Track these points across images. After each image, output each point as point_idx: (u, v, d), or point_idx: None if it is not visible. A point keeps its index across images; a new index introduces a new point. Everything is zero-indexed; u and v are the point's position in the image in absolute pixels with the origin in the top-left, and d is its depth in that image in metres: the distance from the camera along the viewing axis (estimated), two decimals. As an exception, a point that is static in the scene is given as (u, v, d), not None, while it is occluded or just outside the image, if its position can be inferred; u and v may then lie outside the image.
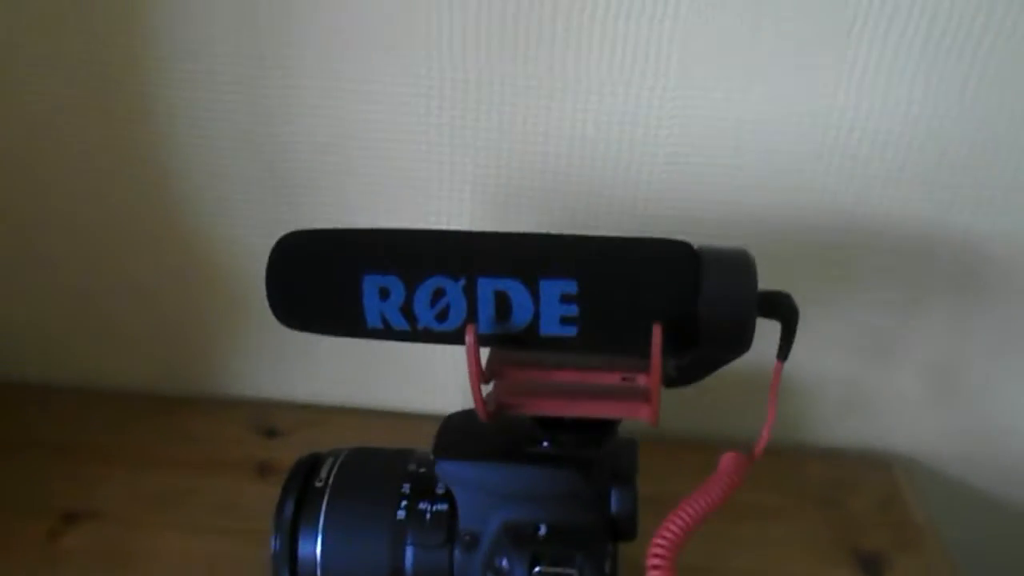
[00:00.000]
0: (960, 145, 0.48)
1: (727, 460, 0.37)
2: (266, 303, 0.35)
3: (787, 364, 0.55)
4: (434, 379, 0.60)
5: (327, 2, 0.47)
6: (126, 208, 0.55)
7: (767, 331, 0.34)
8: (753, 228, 0.51)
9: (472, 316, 0.32)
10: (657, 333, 0.31)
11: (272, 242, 0.34)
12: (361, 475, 0.40)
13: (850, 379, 0.57)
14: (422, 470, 0.40)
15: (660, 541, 0.33)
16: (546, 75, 0.48)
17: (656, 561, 0.32)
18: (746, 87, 0.47)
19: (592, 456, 0.37)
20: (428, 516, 0.38)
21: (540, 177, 0.51)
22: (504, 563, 0.36)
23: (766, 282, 0.33)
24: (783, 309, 0.34)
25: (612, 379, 0.35)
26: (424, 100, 0.49)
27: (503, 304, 0.32)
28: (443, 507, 0.38)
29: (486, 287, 0.32)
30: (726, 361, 0.34)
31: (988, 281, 0.53)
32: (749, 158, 0.49)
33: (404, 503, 0.38)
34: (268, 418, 0.60)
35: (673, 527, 0.33)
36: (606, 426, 0.37)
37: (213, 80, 0.50)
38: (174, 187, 0.54)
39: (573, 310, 0.32)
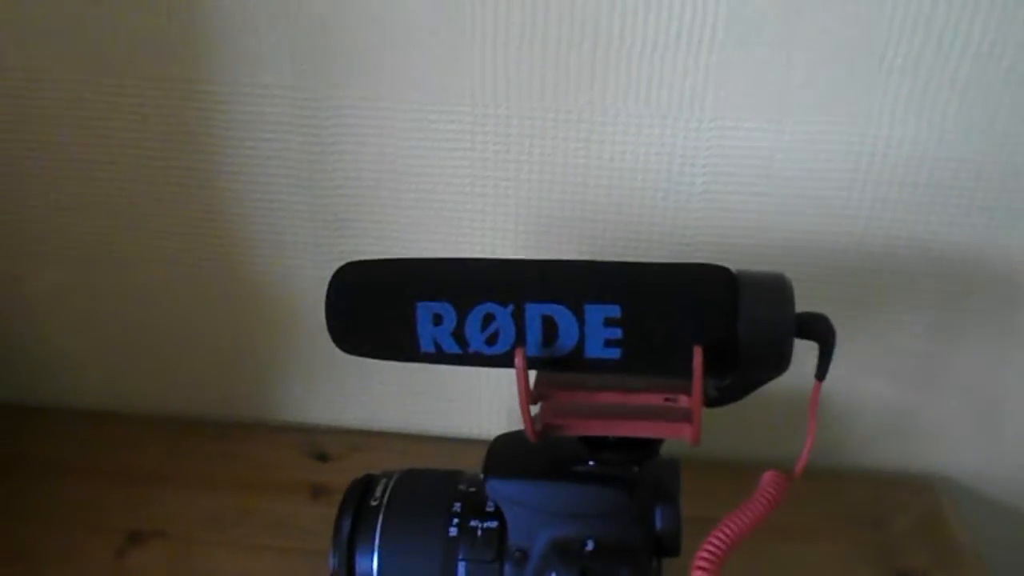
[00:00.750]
0: (993, 170, 0.49)
1: (768, 478, 0.38)
2: (316, 332, 0.37)
3: (828, 387, 0.56)
4: (479, 405, 0.62)
5: (373, 43, 0.49)
6: (182, 243, 0.58)
7: (806, 353, 0.36)
8: (790, 255, 0.52)
9: (520, 340, 0.34)
10: (698, 355, 0.33)
11: (323, 273, 0.36)
12: (414, 494, 0.42)
13: (890, 402, 0.57)
14: (472, 489, 0.41)
15: (704, 555, 0.34)
16: (586, 109, 0.50)
17: (700, 575, 0.33)
18: (779, 118, 0.49)
19: (636, 475, 0.39)
20: (479, 533, 0.39)
21: (581, 207, 0.53)
22: (553, 577, 0.37)
23: (803, 306, 0.34)
24: (820, 330, 0.35)
25: (655, 400, 0.37)
26: (468, 135, 0.51)
27: (550, 328, 0.34)
28: (493, 524, 0.39)
29: (533, 312, 0.34)
30: (765, 381, 0.36)
31: (1026, 303, 0.53)
32: (783, 187, 0.51)
33: (456, 521, 0.40)
34: (319, 443, 0.62)
35: (716, 542, 0.34)
36: (649, 445, 0.39)
37: (264, 119, 0.52)
38: (229, 222, 0.56)
39: (617, 333, 0.34)
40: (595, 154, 0.51)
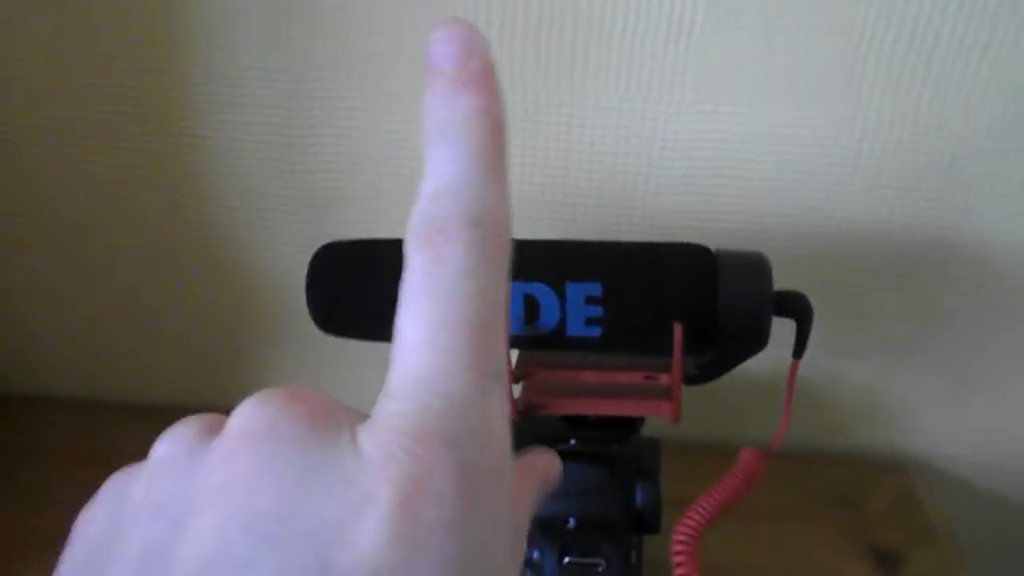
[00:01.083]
0: (969, 154, 0.50)
1: (745, 455, 0.39)
2: (299, 317, 0.37)
3: (805, 370, 0.56)
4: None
5: (355, 27, 0.49)
6: (163, 229, 0.57)
7: (786, 335, 0.36)
8: (769, 237, 0.53)
9: (503, 318, 0.34)
10: (678, 332, 0.33)
11: (304, 258, 0.36)
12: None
13: (867, 384, 0.58)
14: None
15: (683, 528, 0.35)
16: (566, 93, 0.50)
17: (680, 548, 0.34)
18: (759, 102, 0.49)
19: (617, 452, 0.39)
20: (461, 512, 0.40)
21: (562, 192, 0.53)
22: (536, 555, 0.38)
23: (781, 288, 0.35)
24: (798, 308, 0.36)
25: (635, 378, 0.37)
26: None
27: (532, 306, 0.34)
28: (476, 503, 0.40)
29: (515, 290, 0.34)
30: (744, 358, 0.36)
31: (1004, 287, 0.54)
32: (763, 170, 0.51)
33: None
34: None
35: (695, 516, 0.35)
36: (630, 424, 0.39)
37: (247, 104, 0.52)
38: (212, 207, 0.56)
39: (598, 311, 0.34)
40: (576, 138, 0.51)
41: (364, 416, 0.17)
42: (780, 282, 0.36)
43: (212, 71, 0.51)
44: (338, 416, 0.17)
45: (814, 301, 0.36)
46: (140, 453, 0.61)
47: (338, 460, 0.16)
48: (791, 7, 0.47)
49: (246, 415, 0.17)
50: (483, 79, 0.19)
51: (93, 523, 0.18)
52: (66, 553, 0.18)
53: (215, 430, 0.18)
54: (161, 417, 0.65)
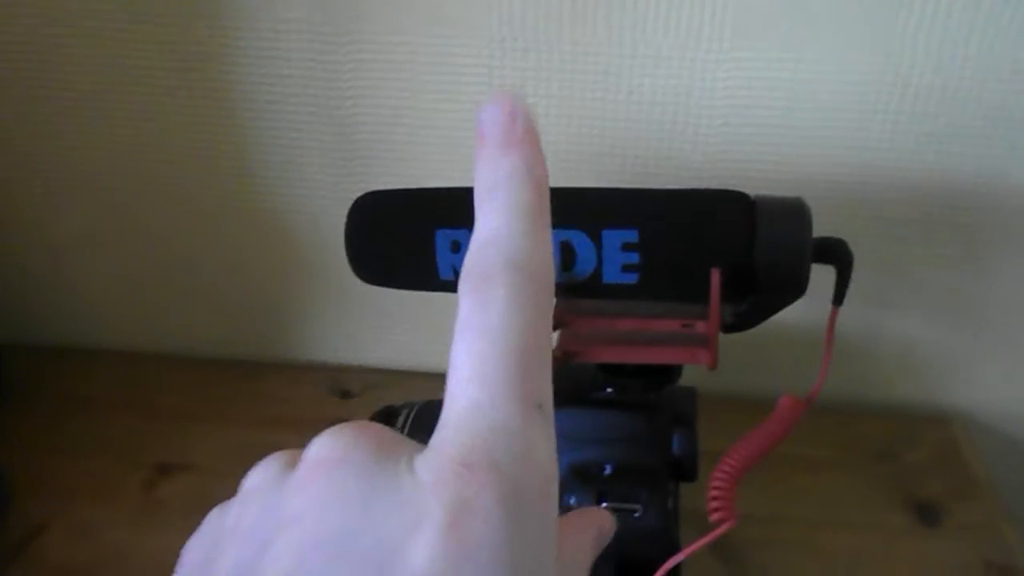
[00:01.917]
0: (1016, 99, 0.49)
1: (784, 402, 0.39)
2: (339, 271, 0.37)
3: (847, 323, 0.56)
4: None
5: (393, -22, 0.49)
6: (206, 182, 0.58)
7: (826, 284, 0.36)
8: (809, 186, 0.52)
9: (539, 265, 0.34)
10: (715, 278, 0.33)
11: (343, 210, 0.37)
12: (435, 423, 0.43)
13: (909, 336, 0.57)
14: (492, 418, 0.42)
15: (719, 473, 0.35)
16: (603, 43, 0.49)
17: (716, 492, 0.34)
18: (799, 48, 0.48)
19: (654, 401, 0.39)
20: (499, 459, 0.40)
21: (599, 142, 0.53)
22: (572, 500, 0.38)
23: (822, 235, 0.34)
24: (838, 254, 0.35)
25: (672, 326, 0.37)
26: (485, 70, 0.51)
27: (568, 253, 0.34)
28: (513, 451, 0.40)
29: (552, 237, 0.34)
30: (782, 306, 0.36)
31: (1049, 237, 0.53)
32: (803, 117, 0.50)
33: (476, 448, 0.41)
34: (342, 381, 0.63)
35: (732, 460, 0.35)
36: (667, 372, 0.39)
37: (285, 55, 0.52)
38: (251, 160, 0.57)
39: (634, 258, 0.34)
40: (613, 88, 0.51)
41: (423, 447, 0.19)
42: (821, 230, 0.35)
43: (252, 22, 0.52)
44: (399, 446, 0.19)
45: (855, 250, 0.36)
46: (180, 403, 0.64)
47: (398, 484, 0.18)
48: (835, -52, 0.45)
49: (320, 446, 0.19)
50: (525, 141, 0.21)
51: (195, 549, 0.20)
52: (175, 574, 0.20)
53: (295, 463, 0.20)
54: (200, 369, 0.67)
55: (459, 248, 0.35)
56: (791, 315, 0.36)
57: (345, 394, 0.62)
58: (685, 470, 0.39)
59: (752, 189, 0.35)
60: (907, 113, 0.50)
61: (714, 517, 0.34)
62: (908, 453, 0.55)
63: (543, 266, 0.20)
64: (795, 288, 0.34)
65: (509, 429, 0.18)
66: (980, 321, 0.56)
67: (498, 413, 0.18)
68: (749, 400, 0.53)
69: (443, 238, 0.35)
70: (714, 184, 0.34)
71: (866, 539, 0.49)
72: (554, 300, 0.20)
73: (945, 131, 0.50)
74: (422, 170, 0.55)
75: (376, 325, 0.64)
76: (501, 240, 0.20)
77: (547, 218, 0.21)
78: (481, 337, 0.19)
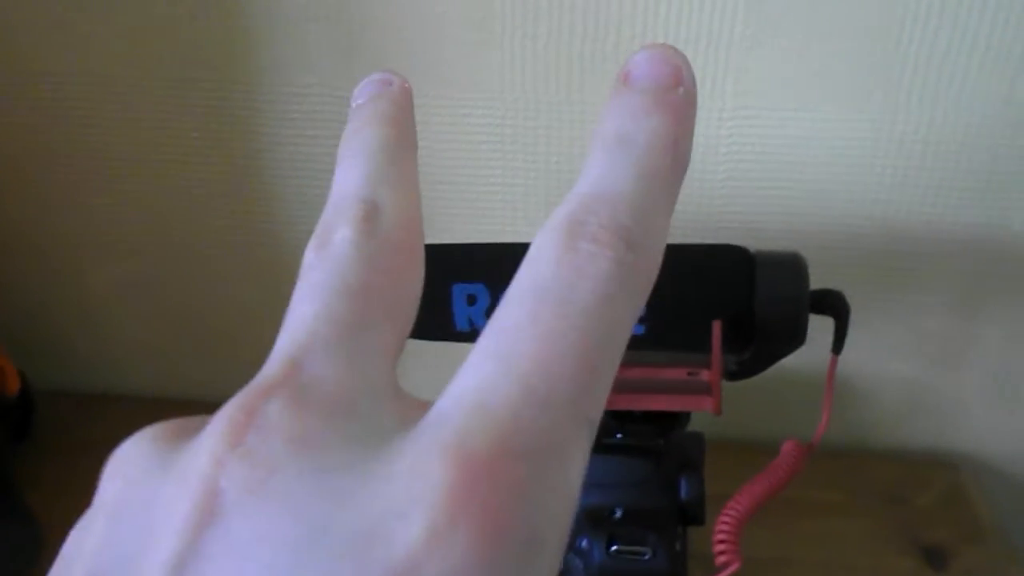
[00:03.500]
0: (1011, 151, 0.50)
1: (787, 447, 0.40)
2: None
3: (852, 368, 0.57)
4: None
5: (406, 40, 0.52)
6: (236, 235, 0.61)
7: (830, 332, 0.37)
8: (812, 238, 0.54)
9: (550, 318, 0.36)
10: (717, 329, 0.35)
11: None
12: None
13: (913, 381, 0.59)
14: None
15: (725, 517, 0.36)
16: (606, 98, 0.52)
17: (722, 536, 0.36)
18: (799, 106, 0.51)
19: (662, 446, 0.41)
20: (513, 503, 0.42)
21: (608, 196, 0.55)
22: (584, 543, 0.40)
23: (821, 287, 0.36)
24: (834, 305, 0.37)
25: (679, 374, 0.39)
26: (497, 128, 0.54)
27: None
28: (527, 495, 0.42)
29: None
30: (783, 355, 0.37)
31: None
32: (804, 173, 0.52)
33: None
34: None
35: (738, 505, 0.36)
36: (675, 418, 0.41)
37: (306, 116, 0.55)
38: (277, 213, 0.59)
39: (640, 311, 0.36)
40: (620, 144, 0.53)
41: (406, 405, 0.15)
42: (825, 281, 0.37)
43: (277, 86, 0.54)
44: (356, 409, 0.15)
45: (858, 299, 0.38)
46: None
47: (363, 469, 0.13)
48: (829, 12, 0.48)
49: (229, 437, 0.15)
50: (683, 109, 0.17)
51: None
52: None
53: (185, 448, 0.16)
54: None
55: (475, 301, 0.37)
56: (794, 362, 0.38)
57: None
58: (693, 514, 0.41)
59: (756, 242, 0.37)
60: (904, 167, 0.51)
61: (720, 560, 0.36)
62: (915, 497, 0.56)
63: (656, 258, 0.16)
64: (794, 338, 0.36)
65: (551, 444, 0.13)
66: (983, 366, 0.58)
67: (544, 417, 0.13)
68: (755, 446, 0.55)
69: (459, 292, 0.37)
70: (719, 237, 0.36)
71: (873, 582, 0.50)
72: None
73: (940, 184, 0.52)
74: (439, 225, 0.57)
75: (399, 367, 0.65)
76: (620, 202, 0.15)
77: (673, 206, 0.16)
78: (557, 306, 0.14)
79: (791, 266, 0.36)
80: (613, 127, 0.16)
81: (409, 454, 0.13)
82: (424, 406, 0.14)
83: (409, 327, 0.17)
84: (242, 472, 0.13)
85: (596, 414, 0.15)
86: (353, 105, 0.20)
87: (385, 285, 0.17)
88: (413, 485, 0.13)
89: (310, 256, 0.17)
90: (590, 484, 0.41)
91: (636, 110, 0.16)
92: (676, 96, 0.17)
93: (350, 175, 0.18)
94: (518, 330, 0.14)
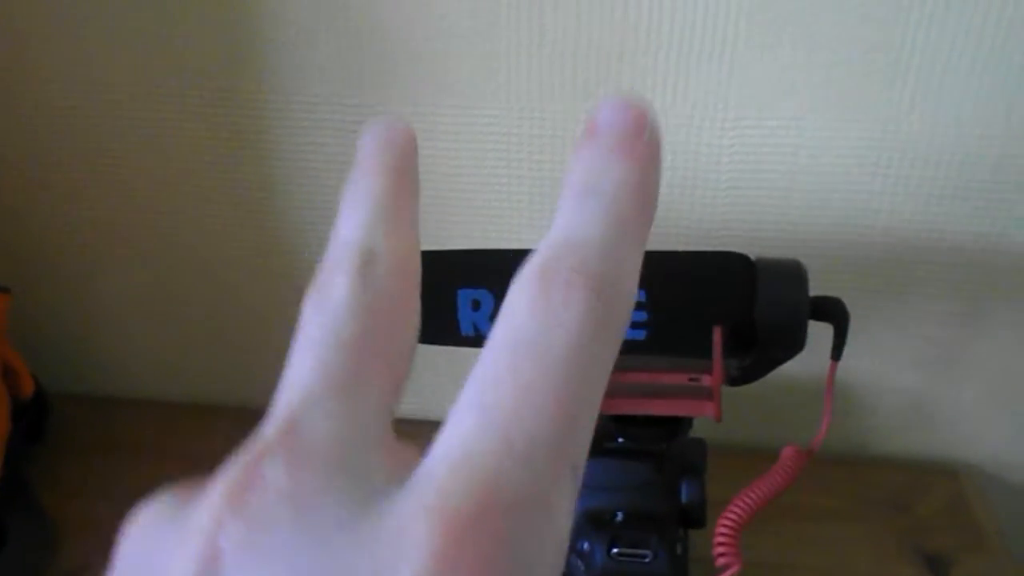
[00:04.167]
0: (1012, 161, 0.51)
1: (787, 453, 0.41)
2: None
3: (853, 376, 0.58)
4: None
5: (415, 51, 0.53)
6: (247, 241, 0.61)
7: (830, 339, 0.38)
8: (813, 247, 0.54)
9: (553, 323, 0.37)
10: (718, 335, 0.35)
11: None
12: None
13: (914, 389, 0.59)
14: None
15: (725, 521, 0.37)
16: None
17: (722, 539, 0.36)
18: (800, 116, 0.51)
19: (664, 450, 0.41)
20: (516, 506, 0.42)
21: (613, 204, 0.55)
22: (586, 546, 0.40)
23: (822, 294, 0.37)
24: (834, 312, 0.37)
25: (680, 379, 0.39)
26: (504, 137, 0.54)
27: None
28: (530, 498, 0.42)
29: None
30: (783, 361, 0.38)
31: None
32: (805, 182, 0.53)
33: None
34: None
35: (737, 509, 0.37)
36: (677, 423, 0.41)
37: (317, 126, 0.56)
38: (289, 221, 0.60)
39: (642, 316, 0.36)
40: (625, 153, 0.54)
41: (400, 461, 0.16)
42: (826, 289, 0.37)
43: (289, 95, 0.55)
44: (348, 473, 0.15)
45: (860, 307, 0.38)
46: (214, 450, 0.66)
47: (354, 528, 0.14)
48: (830, 22, 0.48)
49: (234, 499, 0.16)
50: (648, 157, 0.17)
51: None
52: None
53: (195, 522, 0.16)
54: (234, 418, 0.69)
55: (479, 306, 0.38)
56: (796, 369, 0.38)
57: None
58: (693, 517, 0.41)
59: (758, 249, 0.38)
60: (905, 176, 0.52)
61: (720, 562, 0.36)
62: (917, 505, 0.57)
63: (627, 302, 0.16)
64: (794, 344, 0.37)
65: (533, 491, 0.14)
66: (984, 375, 0.58)
67: (525, 467, 0.14)
68: (756, 451, 0.55)
69: (464, 297, 0.38)
70: (721, 244, 0.37)
71: (875, 589, 0.51)
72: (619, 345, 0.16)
73: (942, 193, 0.52)
74: (445, 232, 0.58)
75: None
76: (590, 249, 0.16)
77: (642, 251, 0.17)
78: (534, 357, 0.15)
79: (792, 273, 0.36)
80: (581, 177, 0.17)
81: (398, 514, 0.14)
82: (417, 455, 0.15)
83: (406, 374, 0.17)
84: (239, 530, 0.14)
85: (580, 459, 0.15)
86: (358, 148, 0.21)
87: (380, 336, 0.17)
88: (402, 545, 0.13)
89: (308, 309, 0.18)
90: (592, 487, 0.42)
91: (602, 159, 0.17)
92: (640, 143, 0.17)
93: (349, 223, 0.19)
94: (497, 382, 0.15)
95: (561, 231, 0.16)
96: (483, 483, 0.13)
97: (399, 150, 0.21)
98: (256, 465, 0.15)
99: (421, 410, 0.67)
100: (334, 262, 0.18)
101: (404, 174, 0.20)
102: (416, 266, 0.19)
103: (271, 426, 0.16)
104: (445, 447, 0.14)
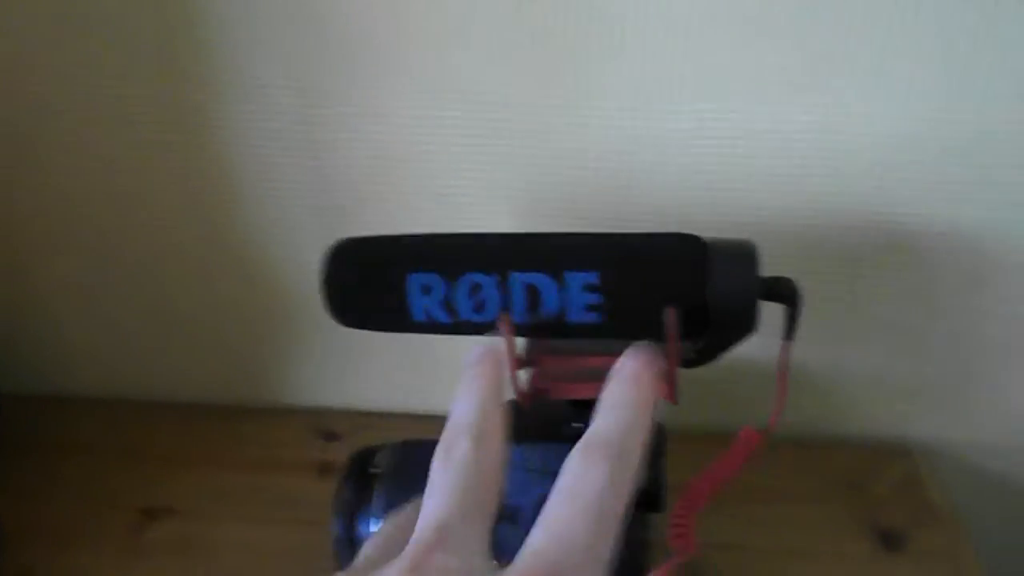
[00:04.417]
0: (965, 143, 0.51)
1: (742, 435, 0.41)
2: (322, 317, 0.39)
3: (808, 358, 0.58)
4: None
5: (368, 37, 0.52)
6: (189, 232, 0.60)
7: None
8: (769, 230, 0.55)
9: (507, 307, 0.37)
10: (671, 317, 0.35)
11: (327, 255, 0.39)
12: (412, 462, 0.44)
13: (870, 370, 0.60)
14: (468, 455, 0.44)
15: (680, 504, 0.36)
16: (571, 96, 0.52)
17: (677, 521, 0.36)
18: (758, 99, 0.51)
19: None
20: (474, 494, 0.42)
21: (571, 189, 0.55)
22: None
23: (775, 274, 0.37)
24: (785, 292, 0.37)
25: (635, 363, 0.39)
26: (461, 123, 0.54)
27: (533, 296, 0.36)
28: (487, 486, 0.42)
29: (518, 281, 0.36)
30: (737, 342, 0.38)
31: (1002, 272, 0.56)
32: (761, 164, 0.53)
33: (452, 484, 0.42)
34: (328, 423, 0.65)
35: (692, 493, 0.37)
36: (632, 407, 0.41)
37: (267, 114, 0.55)
38: (234, 212, 0.59)
39: (596, 299, 0.36)
40: (582, 138, 0.53)
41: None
42: (781, 270, 0.37)
43: (238, 80, 0.54)
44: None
45: (814, 289, 0.38)
46: (166, 448, 0.65)
47: None
48: (783, 6, 0.48)
49: None
50: (651, 387, 0.30)
51: None
52: None
53: None
54: (186, 414, 0.69)
55: (430, 291, 0.37)
56: (753, 350, 0.38)
57: (330, 436, 0.64)
58: (652, 501, 0.41)
59: (714, 231, 0.38)
60: (858, 157, 0.52)
61: (675, 544, 0.36)
62: (872, 483, 0.57)
63: (634, 464, 0.27)
64: (746, 325, 0.36)
65: (575, 571, 0.24)
66: (934, 355, 0.59)
67: (569, 558, 0.24)
68: (715, 434, 0.55)
69: (415, 282, 0.37)
70: (680, 227, 0.37)
71: (830, 567, 0.51)
72: (634, 488, 0.26)
73: (895, 175, 0.53)
74: (401, 216, 0.58)
75: (361, 367, 0.65)
76: (616, 436, 0.27)
77: (648, 427, 0.28)
78: (573, 503, 0.25)
79: (744, 254, 0.36)
80: (611, 398, 0.29)
81: None
82: (504, 567, 0.24)
83: (497, 507, 0.28)
84: None
85: (606, 555, 0.25)
86: (468, 360, 0.31)
87: (485, 488, 0.27)
88: None
89: (438, 463, 0.28)
90: (548, 472, 0.41)
91: (622, 386, 0.29)
92: (646, 378, 0.30)
93: (465, 410, 0.29)
94: (556, 515, 0.25)
95: (593, 427, 0.28)
96: (548, 564, 0.24)
97: (497, 364, 0.32)
98: (426, 553, 0.24)
99: (380, 402, 0.66)
100: (456, 432, 0.28)
101: (499, 382, 0.31)
102: (503, 444, 0.29)
103: (411, 550, 0.25)
104: (522, 554, 0.25)
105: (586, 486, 0.25)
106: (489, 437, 0.29)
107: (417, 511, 0.27)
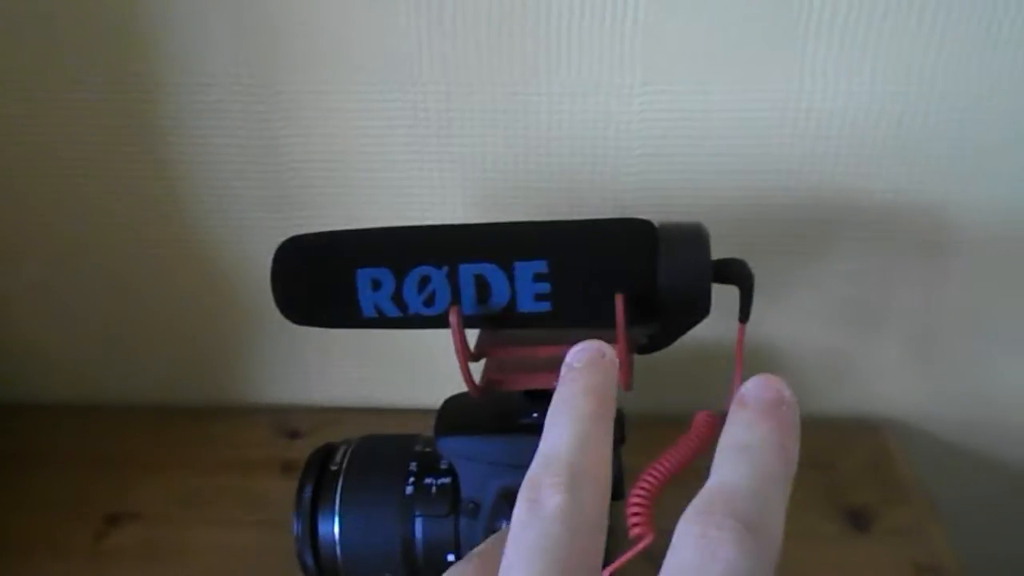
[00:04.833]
0: (916, 118, 0.51)
1: (699, 418, 0.40)
2: (280, 315, 0.39)
3: (770, 337, 0.58)
4: (438, 375, 0.63)
5: (314, 28, 0.51)
6: (145, 234, 0.59)
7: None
8: (726, 211, 0.54)
9: (456, 299, 0.36)
10: (619, 303, 0.35)
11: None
12: (372, 457, 0.44)
13: (832, 348, 0.60)
14: (427, 449, 0.44)
15: (637, 491, 0.36)
16: (519, 82, 0.52)
17: (635, 508, 0.36)
18: (708, 80, 0.51)
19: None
20: (433, 489, 0.41)
21: (524, 177, 0.55)
22: (504, 525, 0.40)
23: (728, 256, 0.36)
24: (737, 274, 0.37)
25: (589, 351, 0.39)
26: (410, 113, 0.53)
27: (483, 287, 0.36)
28: (446, 480, 0.42)
29: (466, 272, 0.36)
30: (690, 326, 0.38)
31: (961, 246, 0.56)
32: (716, 145, 0.53)
33: (412, 479, 0.42)
34: (290, 422, 0.64)
35: (650, 478, 0.36)
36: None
37: (213, 108, 0.54)
38: (187, 211, 0.58)
39: (546, 288, 0.36)
40: (532, 124, 0.53)
41: None
42: (738, 251, 0.37)
43: (182, 76, 0.53)
44: None
45: (772, 269, 0.38)
46: (127, 452, 0.64)
47: None
48: (732, -14, 0.48)
49: None
50: (788, 421, 0.22)
51: None
52: None
53: None
54: (147, 417, 0.67)
55: (379, 286, 0.37)
56: (708, 333, 0.38)
57: (293, 434, 0.63)
58: (613, 489, 0.41)
59: (669, 213, 0.37)
60: (812, 137, 0.52)
61: (633, 532, 0.36)
62: (839, 462, 0.57)
63: (775, 539, 0.19)
64: (699, 308, 0.36)
65: None
66: (900, 331, 0.59)
67: None
68: (672, 419, 0.55)
69: (364, 277, 0.37)
70: (633, 213, 0.36)
71: (797, 547, 0.51)
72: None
73: (850, 152, 0.53)
74: (355, 211, 0.57)
75: (321, 364, 0.65)
76: (740, 494, 0.20)
77: (786, 499, 0.21)
78: None
79: (694, 237, 0.36)
80: (733, 438, 0.22)
81: None
82: None
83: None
84: None
85: None
86: (567, 365, 0.25)
87: (582, 555, 0.21)
88: None
89: (523, 513, 0.21)
90: (507, 464, 0.41)
91: (748, 423, 0.22)
92: (781, 411, 0.22)
93: (560, 439, 0.23)
94: None
95: (716, 480, 0.20)
96: None
97: (606, 374, 0.25)
98: None
99: (342, 399, 0.66)
100: (546, 471, 0.22)
101: (606, 397, 0.24)
102: (610, 485, 0.23)
103: None
104: None
105: (710, 566, 0.19)
106: (591, 482, 0.22)
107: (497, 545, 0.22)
